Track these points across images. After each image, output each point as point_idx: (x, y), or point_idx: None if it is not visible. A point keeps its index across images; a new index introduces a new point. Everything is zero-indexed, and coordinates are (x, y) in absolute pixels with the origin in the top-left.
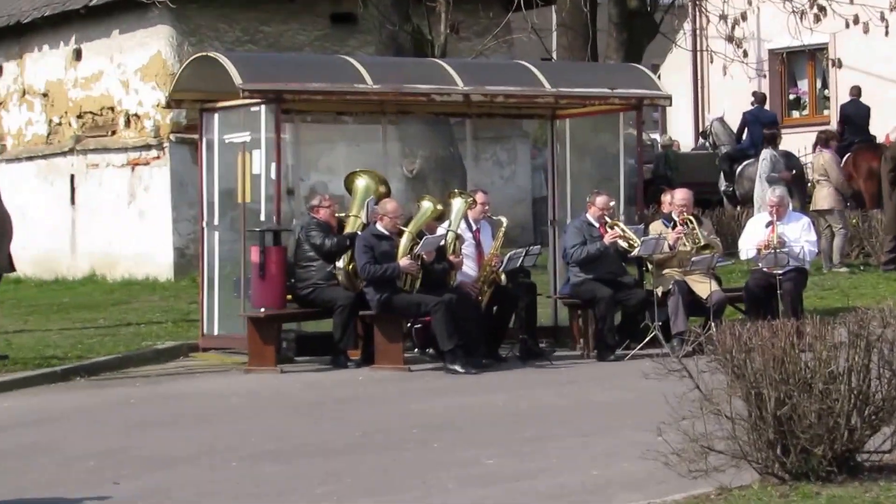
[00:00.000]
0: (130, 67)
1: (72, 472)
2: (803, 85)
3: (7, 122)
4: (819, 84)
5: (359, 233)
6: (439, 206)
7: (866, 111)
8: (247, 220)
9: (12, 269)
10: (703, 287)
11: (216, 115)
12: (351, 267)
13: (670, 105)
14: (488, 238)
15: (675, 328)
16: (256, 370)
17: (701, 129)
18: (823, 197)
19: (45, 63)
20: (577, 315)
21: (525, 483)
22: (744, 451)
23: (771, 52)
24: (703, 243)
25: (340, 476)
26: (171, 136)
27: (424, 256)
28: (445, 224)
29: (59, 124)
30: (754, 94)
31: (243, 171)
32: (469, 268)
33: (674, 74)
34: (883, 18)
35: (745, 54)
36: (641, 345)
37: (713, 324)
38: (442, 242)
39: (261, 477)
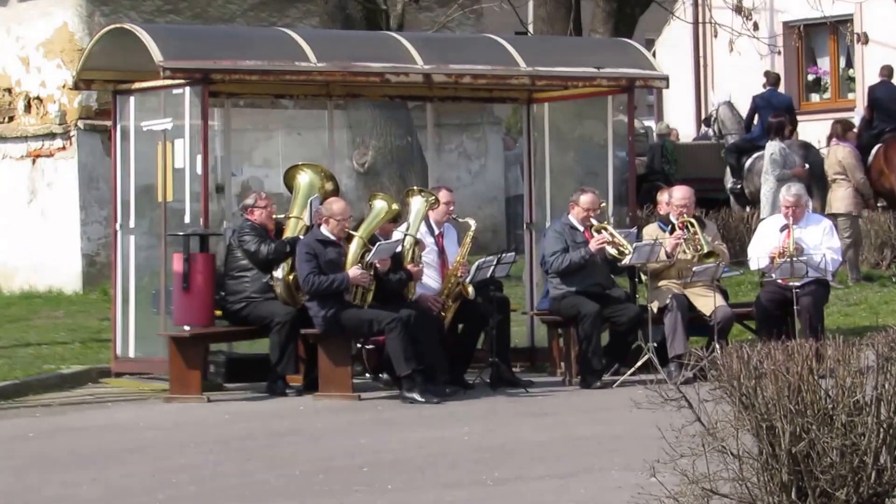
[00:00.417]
0: (31, 42)
1: None
2: (824, 64)
3: None
4: (843, 63)
5: (300, 237)
6: (395, 207)
7: None
8: (168, 223)
9: None
10: (707, 302)
11: (132, 99)
12: (291, 277)
13: (667, 87)
14: (453, 244)
15: (673, 350)
16: (179, 399)
17: (704, 116)
18: (840, 198)
19: None
20: (557, 335)
21: None
22: (753, 494)
23: (786, 24)
24: (706, 250)
25: None
26: (80, 124)
27: (378, 265)
28: (402, 227)
29: None
30: (766, 74)
31: (164, 165)
32: (430, 279)
33: (672, 51)
34: None
35: (756, 27)
36: (633, 370)
37: (717, 345)
38: (398, 249)
39: None
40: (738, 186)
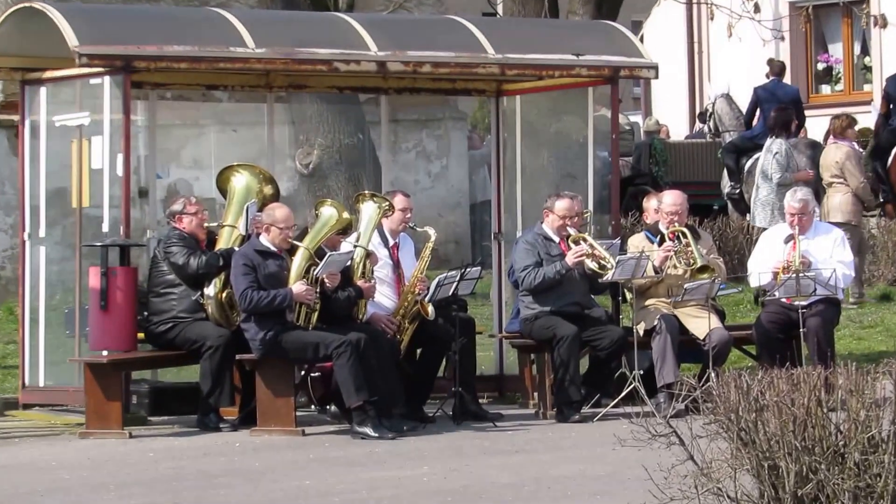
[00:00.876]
0: None
1: None
2: (836, 51)
3: None
4: (857, 49)
5: (236, 248)
6: (345, 214)
7: None
8: (84, 232)
9: None
10: (700, 324)
11: (43, 90)
12: (225, 295)
13: (656, 77)
14: (410, 257)
15: (662, 378)
16: (96, 434)
17: (698, 111)
18: (837, 206)
19: None
20: (529, 361)
21: None
22: None
23: (792, 5)
24: (699, 265)
25: None
26: None
27: (326, 280)
28: (353, 237)
29: None
30: (770, 62)
31: (80, 166)
32: (384, 296)
33: (662, 36)
34: None
35: (757, 9)
36: (616, 401)
37: (713, 373)
38: (348, 262)
39: None
40: (737, 191)
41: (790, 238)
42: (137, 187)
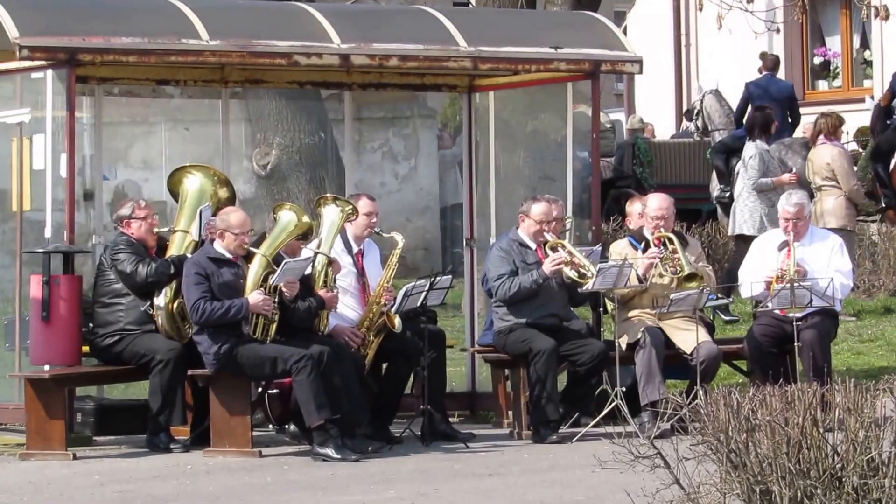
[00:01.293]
0: None
1: None
2: (834, 44)
3: None
4: (857, 42)
5: (188, 255)
6: (305, 219)
7: None
8: (24, 237)
9: None
10: (687, 337)
11: None
12: (176, 305)
13: (640, 72)
14: (376, 264)
15: (646, 396)
16: (38, 455)
17: (685, 108)
18: (830, 210)
19: None
20: (503, 377)
21: None
22: None
23: None
24: (686, 273)
25: None
26: None
27: (284, 290)
28: (314, 244)
29: None
30: (763, 56)
31: (20, 166)
32: (348, 307)
33: (647, 27)
34: None
35: None
36: (596, 420)
37: (701, 390)
38: (307, 269)
39: None
40: (727, 194)
41: (784, 245)
42: (82, 189)
